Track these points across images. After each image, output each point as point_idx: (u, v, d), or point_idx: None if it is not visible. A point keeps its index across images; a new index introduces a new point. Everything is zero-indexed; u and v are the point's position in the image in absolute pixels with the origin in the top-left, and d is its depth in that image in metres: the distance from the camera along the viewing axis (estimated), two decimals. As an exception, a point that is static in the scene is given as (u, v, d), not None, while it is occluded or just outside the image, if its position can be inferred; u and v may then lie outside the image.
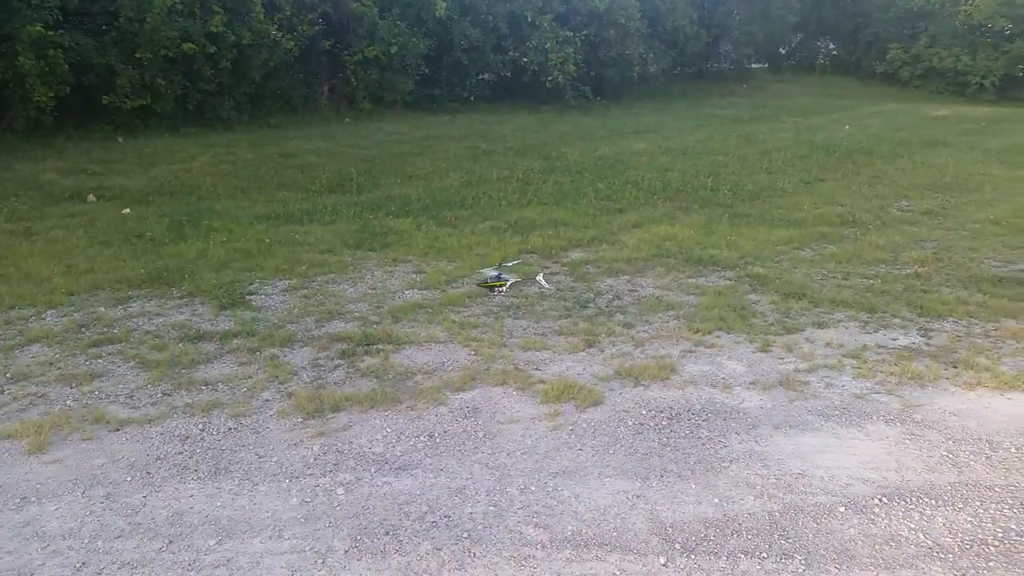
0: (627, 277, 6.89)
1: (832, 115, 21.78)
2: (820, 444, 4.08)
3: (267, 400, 4.49)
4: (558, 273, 7.01)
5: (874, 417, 4.36)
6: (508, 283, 6.59)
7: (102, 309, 5.86)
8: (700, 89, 27.76)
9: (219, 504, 3.52)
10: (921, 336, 5.57)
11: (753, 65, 33.45)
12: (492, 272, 6.79)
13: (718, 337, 5.47)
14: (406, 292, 6.44)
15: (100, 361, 4.98)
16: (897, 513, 3.49)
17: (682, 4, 25.44)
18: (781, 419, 4.33)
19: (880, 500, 3.58)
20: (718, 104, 24.12)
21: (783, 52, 37.03)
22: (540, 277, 6.80)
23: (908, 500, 3.58)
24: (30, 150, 12.71)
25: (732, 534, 3.34)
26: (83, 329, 5.49)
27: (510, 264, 7.17)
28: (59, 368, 4.89)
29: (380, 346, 5.28)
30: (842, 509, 3.52)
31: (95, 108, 14.09)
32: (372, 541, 3.29)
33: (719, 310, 5.91)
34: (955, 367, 5.03)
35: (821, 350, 5.29)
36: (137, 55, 13.96)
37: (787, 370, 4.95)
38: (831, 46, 37.80)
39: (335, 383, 4.72)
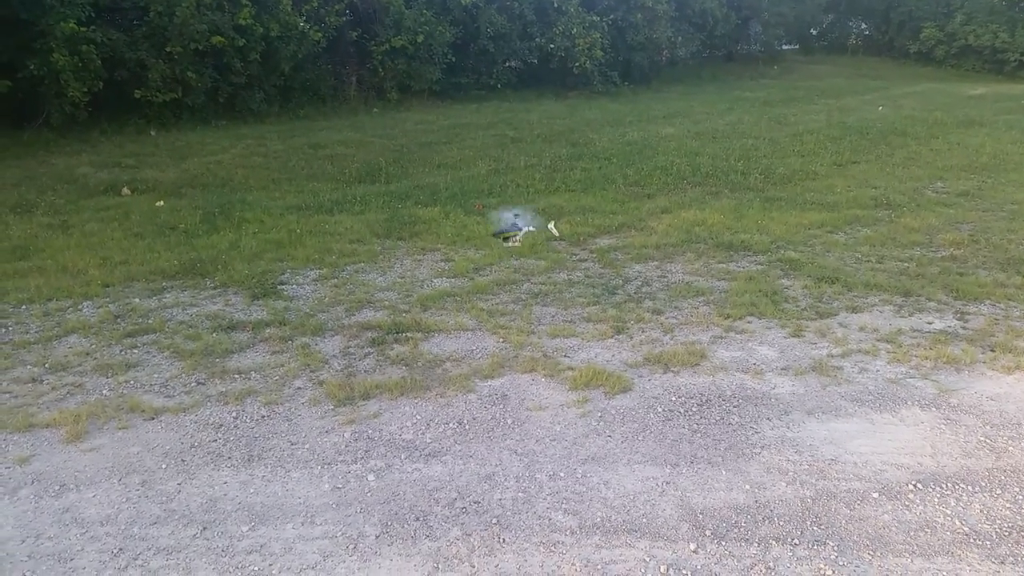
0: (656, 263, 6.84)
1: (865, 96, 21.37)
2: (854, 430, 4.03)
3: (299, 388, 4.54)
4: (586, 260, 6.98)
5: (909, 402, 4.29)
6: (521, 232, 6.58)
7: (137, 300, 5.96)
8: (730, 72, 27.39)
9: (252, 491, 3.57)
10: (957, 320, 5.47)
11: (784, 47, 32.90)
12: (508, 216, 6.71)
13: (749, 323, 5.42)
14: (434, 280, 6.46)
15: (135, 351, 5.07)
16: (932, 499, 3.44)
17: (711, -15, 25.09)
18: (814, 405, 4.28)
19: (915, 486, 3.53)
20: (748, 87, 23.79)
21: (814, 33, 36.39)
22: (551, 225, 6.78)
23: (944, 486, 3.53)
24: (65, 145, 12.92)
25: (763, 520, 3.32)
26: (118, 320, 5.59)
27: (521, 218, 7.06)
28: (95, 358, 4.98)
29: (409, 334, 5.30)
30: (876, 495, 3.48)
31: (128, 102, 14.28)
32: (402, 527, 3.32)
33: (750, 295, 5.85)
34: (992, 351, 4.94)
35: (855, 335, 5.22)
36: (168, 49, 14.10)
37: (820, 355, 4.89)
38: (863, 26, 37.04)
39: (365, 371, 4.76)
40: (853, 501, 3.44)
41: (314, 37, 16.15)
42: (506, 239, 6.47)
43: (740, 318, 5.47)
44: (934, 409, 4.22)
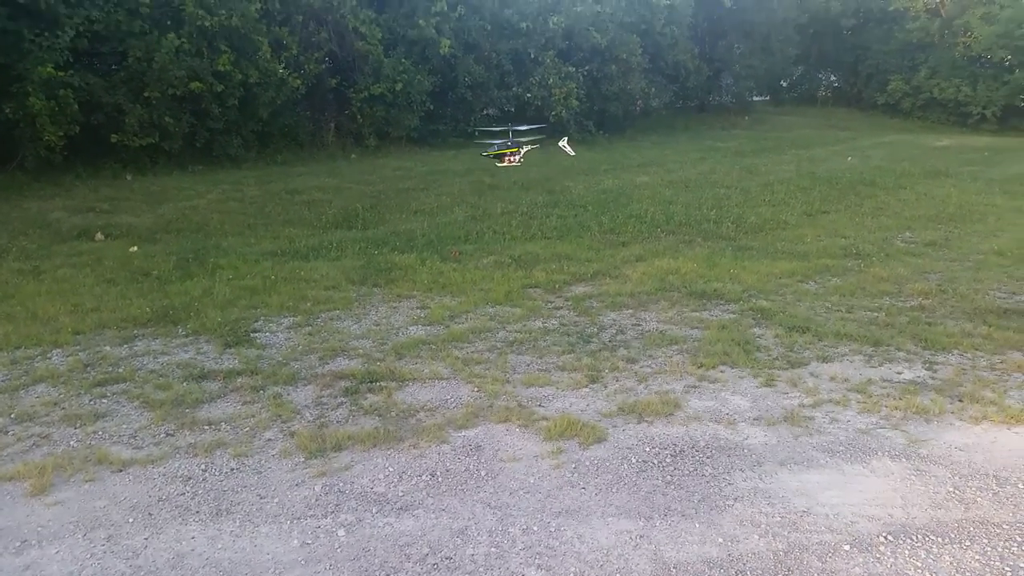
0: (631, 311, 6.89)
1: (834, 147, 21.91)
2: (825, 481, 4.05)
3: (269, 439, 4.48)
4: (561, 308, 7.02)
5: (879, 453, 4.33)
6: (524, 150, 6.43)
7: (107, 348, 5.89)
8: (702, 122, 27.98)
9: (220, 546, 3.50)
10: (926, 369, 5.55)
11: (755, 98, 33.74)
12: (500, 141, 6.60)
13: (722, 372, 5.46)
14: (410, 328, 6.46)
15: (104, 401, 4.99)
16: (903, 551, 3.46)
17: (683, 39, 25.73)
18: (786, 455, 4.31)
19: (886, 538, 3.55)
20: (720, 137, 24.30)
21: (784, 85, 37.39)
22: (564, 142, 6.65)
23: (914, 538, 3.55)
24: (39, 189, 12.85)
25: (737, 575, 3.31)
26: (88, 368, 5.51)
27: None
28: (63, 408, 4.90)
29: (383, 383, 5.28)
30: (847, 547, 3.49)
31: (104, 146, 14.27)
32: (373, 583, 3.26)
33: (723, 344, 5.90)
34: (961, 401, 5.01)
35: (826, 384, 5.28)
36: (146, 94, 14.17)
37: (792, 405, 4.93)
38: (832, 78, 38.16)
39: (338, 421, 4.72)
40: (825, 554, 3.45)
41: (293, 84, 16.32)
42: (499, 156, 6.31)
43: (713, 367, 5.51)
44: (904, 460, 4.25)
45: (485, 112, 21.54)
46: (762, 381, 5.29)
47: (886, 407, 4.92)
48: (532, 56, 21.04)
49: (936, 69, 31.41)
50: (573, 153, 6.03)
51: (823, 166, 17.30)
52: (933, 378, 5.40)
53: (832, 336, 6.17)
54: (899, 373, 5.50)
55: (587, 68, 21.99)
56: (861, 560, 3.40)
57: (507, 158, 6.15)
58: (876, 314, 6.82)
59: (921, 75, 31.80)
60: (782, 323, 6.45)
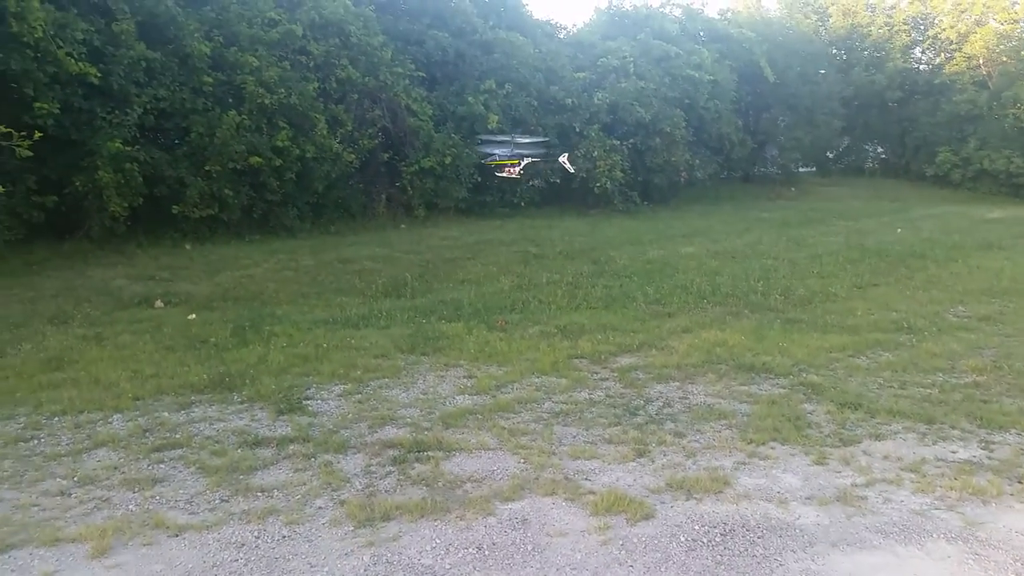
0: (677, 383, 6.88)
1: (883, 218, 21.74)
2: (879, 563, 3.97)
3: (320, 508, 4.56)
4: (607, 379, 7.04)
5: (935, 535, 4.23)
6: (523, 162, 6.47)
7: (166, 414, 6.07)
8: (747, 193, 28.06)
9: (272, 615, 3.55)
10: (982, 449, 5.42)
11: (800, 169, 33.80)
12: (501, 151, 6.62)
13: (772, 448, 5.40)
14: (457, 397, 6.53)
15: (162, 466, 5.14)
16: (964, 641, 3.35)
17: (727, 112, 26.07)
18: (838, 536, 4.23)
19: (946, 626, 3.45)
20: (766, 207, 24.31)
21: (830, 156, 37.40)
22: (563, 159, 6.69)
23: (976, 627, 3.44)
24: (103, 257, 13.39)
25: (790, 659, 3.24)
26: (147, 433, 5.69)
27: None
28: (123, 472, 5.05)
29: (431, 453, 5.33)
30: (905, 635, 3.39)
31: (165, 217, 14.86)
32: (421, 657, 3.27)
33: (773, 420, 5.85)
34: (1020, 482, 4.87)
35: (879, 463, 5.18)
36: (207, 168, 14.79)
37: (844, 484, 4.84)
38: (879, 150, 38.09)
39: (386, 491, 4.78)
40: (882, 641, 3.36)
41: (347, 158, 16.90)
42: (499, 167, 6.36)
43: (763, 443, 5.46)
44: (961, 543, 4.14)
45: (531, 183, 21.95)
46: (814, 459, 5.22)
47: (941, 487, 4.80)
48: (577, 130, 21.50)
49: (986, 140, 31.17)
50: (573, 170, 6.14)
51: (872, 238, 17.16)
52: (990, 458, 5.27)
53: (885, 413, 6.07)
54: (954, 452, 5.38)
55: (631, 141, 22.35)
56: (920, 648, 3.30)
57: (508, 169, 6.26)
58: (929, 391, 6.70)
59: (970, 146, 31.57)
60: (833, 399, 6.36)
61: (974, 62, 32.34)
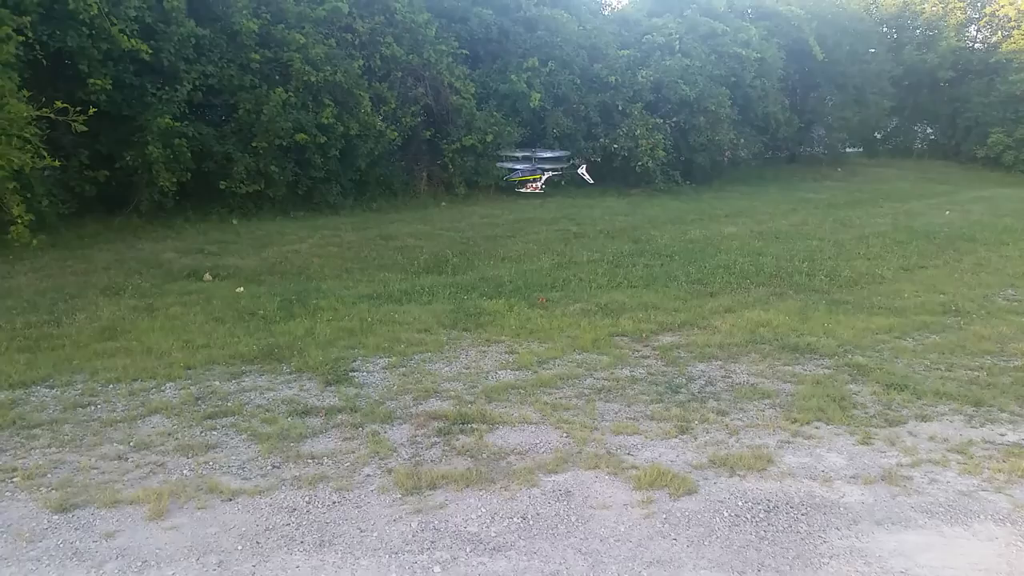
0: (720, 363, 6.86)
1: (931, 200, 21.24)
2: (924, 542, 3.95)
3: (368, 475, 4.67)
4: (649, 357, 7.05)
5: (982, 516, 4.19)
6: (545, 176, 6.47)
7: (217, 383, 6.24)
8: (792, 173, 27.59)
9: (323, 576, 3.67)
10: (1034, 433, 5.33)
11: (848, 149, 33.09)
12: (522, 166, 6.61)
13: (817, 428, 5.37)
14: (499, 372, 6.59)
15: (215, 433, 5.29)
16: (1012, 621, 3.33)
17: (773, 91, 25.57)
18: (883, 515, 4.21)
19: (993, 606, 3.43)
20: (812, 188, 23.89)
21: (878, 136, 36.55)
22: (582, 170, 6.67)
23: (1024, 608, 3.42)
24: (152, 231, 13.71)
25: (833, 634, 3.26)
26: (199, 402, 5.86)
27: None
28: (177, 439, 5.22)
29: (474, 425, 5.41)
30: (951, 614, 3.39)
31: (212, 192, 15.14)
32: (468, 620, 3.35)
33: (817, 400, 5.81)
34: (1072, 467, 4.78)
35: (925, 444, 5.13)
36: (253, 144, 15.02)
37: (889, 464, 4.81)
38: (929, 130, 37.12)
39: (432, 461, 4.87)
40: (927, 619, 3.36)
41: (390, 136, 17.01)
42: (522, 183, 6.37)
43: (807, 423, 5.44)
44: (1009, 524, 4.10)
45: (572, 162, 21.88)
46: (859, 439, 5.19)
47: (988, 469, 4.75)
48: (620, 108, 21.31)
49: (1041, 121, 30.20)
50: (591, 181, 6.04)
51: (920, 220, 16.80)
52: (1042, 442, 5.19)
53: (931, 395, 6.00)
54: (1002, 435, 5.30)
55: (675, 119, 22.10)
56: (966, 627, 3.30)
57: (530, 184, 6.21)
58: (977, 373, 6.59)
59: (1024, 128, 30.61)
60: (879, 380, 6.30)
61: (1033, 39, 31.27)
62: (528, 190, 6.34)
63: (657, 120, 21.40)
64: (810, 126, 30.14)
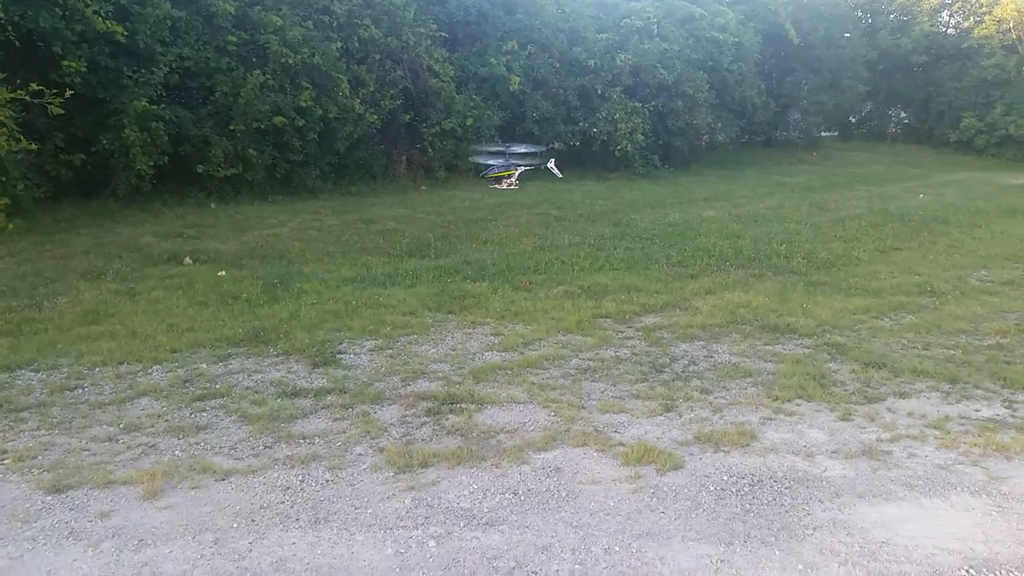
0: (702, 343, 6.98)
1: (905, 184, 21.55)
2: (904, 514, 4.08)
3: (360, 454, 4.72)
4: (632, 338, 7.14)
5: (959, 488, 4.34)
6: (519, 171, 6.49)
7: (204, 366, 6.24)
8: (769, 157, 27.82)
9: (320, 552, 3.73)
10: (1006, 408, 5.51)
11: (823, 133, 33.40)
12: (496, 161, 6.63)
13: (798, 405, 5.51)
14: (485, 354, 6.66)
15: (204, 414, 5.31)
16: (987, 586, 3.47)
17: (750, 75, 25.73)
18: (864, 488, 4.34)
19: (967, 571, 3.57)
20: (788, 172, 24.13)
21: (853, 121, 36.91)
22: (551, 164, 6.68)
23: (997, 573, 3.56)
24: (130, 215, 13.55)
25: (818, 600, 3.38)
26: (187, 384, 5.86)
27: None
28: (167, 420, 5.23)
29: (463, 405, 5.48)
30: (929, 579, 3.52)
31: (190, 176, 14.98)
32: (464, 593, 3.43)
33: (798, 378, 5.94)
34: (1044, 440, 4.95)
35: (903, 420, 5.28)
36: (231, 127, 14.86)
37: (869, 440, 4.95)
38: (903, 115, 37.56)
39: (422, 440, 4.93)
40: (907, 585, 3.49)
41: (369, 119, 16.89)
42: (497, 179, 6.41)
43: (789, 400, 5.57)
44: (985, 496, 4.25)
45: (551, 146, 21.89)
46: (839, 415, 5.32)
47: (965, 444, 4.90)
48: (599, 92, 21.34)
49: (1012, 106, 30.64)
50: (560, 175, 6.09)
51: (895, 203, 17.06)
52: (1013, 416, 5.36)
53: (908, 373, 6.16)
54: (977, 411, 5.47)
55: (653, 103, 22.17)
56: (944, 592, 3.43)
57: (504, 180, 6.23)
58: (953, 352, 6.77)
59: (996, 112, 31.05)
60: (857, 358, 6.45)
61: (1004, 26, 31.61)
62: (503, 186, 6.36)
63: (636, 104, 21.47)
64: (786, 110, 30.38)
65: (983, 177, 24.01)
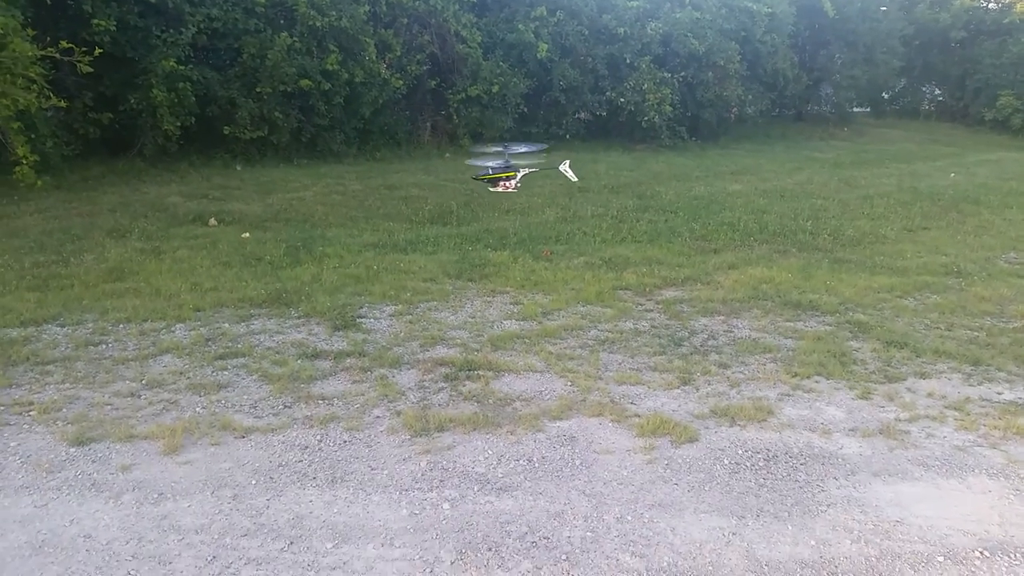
0: (722, 317, 6.94)
1: (937, 162, 21.13)
2: (919, 494, 4.07)
3: (378, 417, 4.77)
4: (652, 311, 7.12)
5: (976, 470, 4.30)
6: (521, 173, 6.19)
7: (226, 325, 6.32)
8: (799, 131, 27.38)
9: (336, 511, 3.79)
10: (1030, 392, 5.43)
11: (855, 109, 32.74)
12: (497, 164, 6.33)
13: (817, 382, 5.47)
14: (504, 322, 6.67)
15: (226, 373, 5.39)
16: (1000, 568, 3.46)
17: (783, 47, 25.21)
18: (880, 467, 4.32)
19: (982, 553, 3.55)
20: (818, 147, 23.75)
21: (886, 97, 36.11)
22: (565, 166, 6.44)
23: (1012, 556, 3.54)
24: (156, 175, 13.68)
25: (828, 576, 3.38)
26: (209, 343, 5.94)
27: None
28: (189, 378, 5.31)
29: (480, 372, 5.51)
30: (941, 559, 3.51)
31: (216, 137, 15.06)
32: (476, 555, 3.48)
33: (818, 355, 5.90)
34: (1067, 425, 4.89)
35: (923, 400, 5.24)
36: (257, 89, 14.89)
37: (887, 419, 4.92)
38: (937, 92, 36.69)
39: (439, 404, 4.97)
40: (918, 563, 3.48)
41: (395, 84, 16.83)
42: (492, 182, 6.20)
43: (808, 377, 5.53)
44: (1002, 478, 4.21)
45: (577, 115, 21.67)
46: (858, 393, 5.29)
47: (984, 426, 4.86)
48: (628, 61, 21.05)
49: (1052, 85, 29.87)
50: (576, 179, 5.92)
51: (925, 181, 16.75)
52: (1037, 401, 5.29)
53: (930, 353, 6.09)
54: (999, 393, 5.40)
55: (683, 74, 21.83)
56: (956, 572, 3.42)
57: (502, 183, 6.08)
58: (976, 334, 6.68)
59: (1035, 90, 30.27)
60: (879, 337, 6.39)
61: (1048, 1, 30.75)
62: (500, 189, 6.27)
63: (665, 74, 21.15)
64: (818, 84, 29.78)
65: (1018, 157, 23.46)
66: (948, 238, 10.83)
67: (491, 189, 6.08)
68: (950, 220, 12.21)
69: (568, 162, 6.32)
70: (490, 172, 6.20)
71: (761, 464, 4.32)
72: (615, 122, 21.70)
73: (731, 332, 6.55)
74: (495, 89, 18.55)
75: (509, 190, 6.01)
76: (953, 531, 3.72)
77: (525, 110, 19.94)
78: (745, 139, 24.29)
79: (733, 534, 3.67)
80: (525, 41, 19.32)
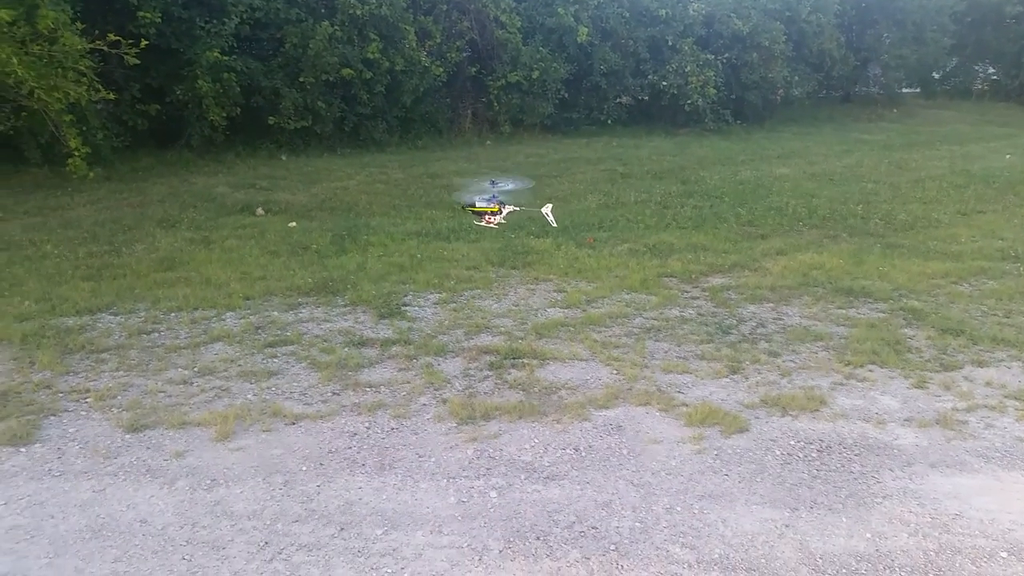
0: (771, 305, 6.82)
1: (991, 143, 20.46)
2: (979, 486, 3.95)
3: (424, 404, 4.80)
4: (698, 298, 7.03)
5: (1041, 462, 4.17)
6: (506, 211, 6.27)
7: (275, 313, 6.40)
8: (847, 113, 26.75)
9: (385, 497, 3.81)
10: (1095, 381, 5.24)
11: (904, 90, 31.86)
12: (483, 198, 6.39)
13: (871, 371, 5.35)
14: (548, 310, 6.65)
15: (276, 360, 5.46)
16: (1067, 563, 3.34)
17: (829, 27, 24.60)
18: (938, 458, 4.21)
19: (1048, 548, 3.44)
20: (866, 129, 23.18)
21: (937, 77, 35.05)
22: (546, 209, 6.51)
23: (1080, 551, 3.42)
24: (203, 165, 13.91)
25: (885, 570, 3.31)
26: (259, 331, 6.03)
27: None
28: (239, 365, 5.39)
29: (525, 360, 5.50)
30: (1004, 554, 3.41)
31: (261, 128, 15.24)
32: (524, 544, 3.48)
33: (872, 343, 5.77)
34: None
35: (981, 389, 5.09)
36: (300, 79, 15.02)
37: (944, 408, 4.79)
38: (991, 71, 35.49)
39: (485, 393, 4.98)
40: (979, 558, 3.39)
41: (435, 72, 16.82)
42: (478, 215, 6.22)
43: (861, 366, 5.41)
44: (1069, 472, 4.08)
45: (619, 100, 21.43)
46: (913, 382, 5.16)
47: (1048, 417, 4.70)
48: (670, 43, 20.71)
49: (1114, 61, 28.71)
50: (555, 224, 5.92)
51: (979, 163, 16.24)
52: (1103, 390, 5.10)
53: (988, 341, 5.91)
54: (1064, 383, 5.22)
55: (727, 56, 21.43)
56: (1021, 568, 3.32)
57: (487, 217, 6.05)
58: (1038, 321, 6.46)
59: (1095, 68, 29.13)
60: (935, 325, 6.22)
61: (1110, -27, 29.50)
62: (484, 223, 6.26)
63: (708, 56, 20.77)
64: (866, 64, 29.00)
65: (1077, 137, 22.64)
66: (1004, 222, 10.48)
67: (476, 223, 6.10)
68: (1006, 203, 11.82)
69: (550, 206, 6.28)
70: (476, 205, 6.21)
71: (814, 455, 4.24)
72: (657, 106, 21.42)
73: (781, 320, 6.43)
74: (535, 75, 18.43)
75: (492, 225, 6.01)
76: (1017, 525, 3.61)
77: (566, 95, 19.77)
78: (791, 122, 23.79)
79: (786, 526, 3.61)
80: (565, 25, 19.13)
